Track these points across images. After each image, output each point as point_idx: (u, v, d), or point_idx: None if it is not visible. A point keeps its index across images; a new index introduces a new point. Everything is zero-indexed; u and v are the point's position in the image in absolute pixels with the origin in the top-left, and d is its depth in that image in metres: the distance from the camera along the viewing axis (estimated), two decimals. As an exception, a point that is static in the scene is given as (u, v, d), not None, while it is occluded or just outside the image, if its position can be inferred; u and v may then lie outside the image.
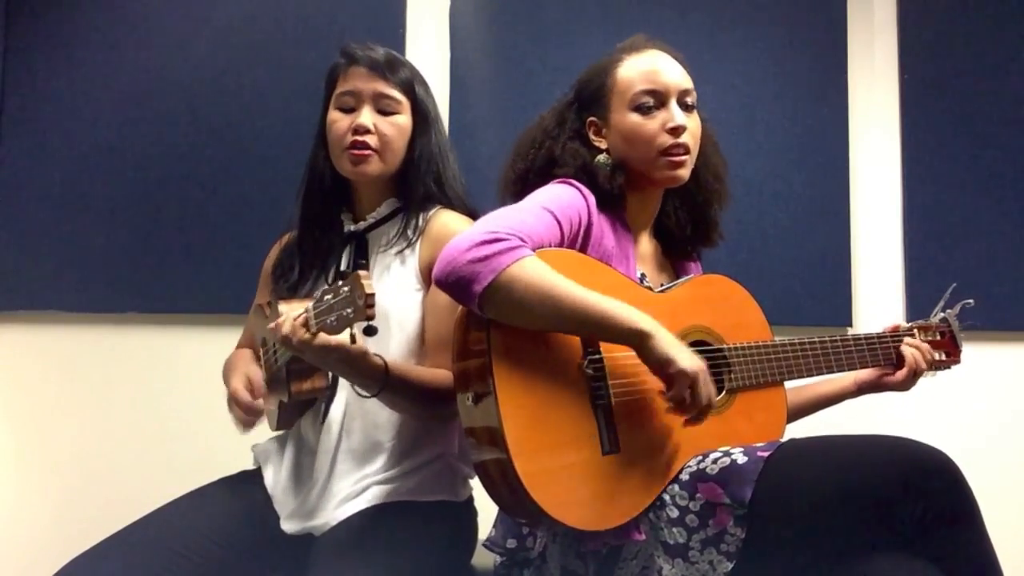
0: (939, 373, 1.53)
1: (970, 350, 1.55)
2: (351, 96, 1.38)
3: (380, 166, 1.38)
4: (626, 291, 1.20)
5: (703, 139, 1.39)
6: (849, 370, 1.44)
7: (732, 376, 1.29)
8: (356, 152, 1.36)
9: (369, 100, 1.37)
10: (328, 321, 1.06)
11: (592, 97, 1.38)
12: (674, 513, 1.16)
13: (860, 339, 1.44)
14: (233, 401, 1.31)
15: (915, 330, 1.52)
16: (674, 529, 1.15)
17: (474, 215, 1.42)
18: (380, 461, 1.33)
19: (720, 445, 1.22)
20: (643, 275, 1.36)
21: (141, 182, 2.32)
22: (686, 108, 1.34)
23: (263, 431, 1.48)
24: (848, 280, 2.37)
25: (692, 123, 1.34)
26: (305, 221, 1.45)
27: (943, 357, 1.52)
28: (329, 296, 1.07)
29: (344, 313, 1.04)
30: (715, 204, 1.44)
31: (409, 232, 1.39)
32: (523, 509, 1.10)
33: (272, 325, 1.16)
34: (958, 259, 2.35)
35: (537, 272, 1.09)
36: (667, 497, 1.17)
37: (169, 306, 2.30)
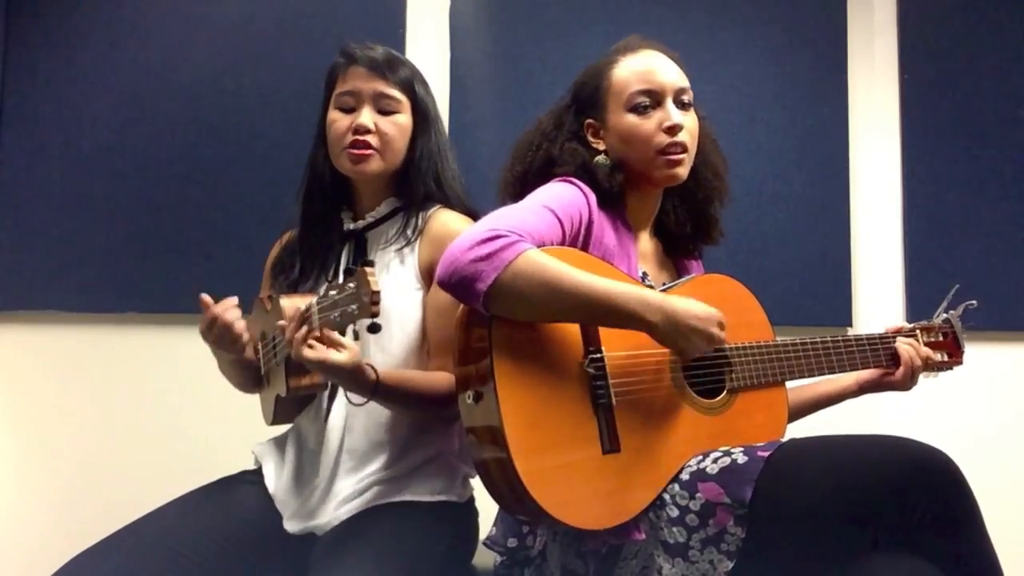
0: (941, 374, 1.53)
1: (971, 350, 1.54)
2: (351, 96, 1.38)
3: (380, 165, 1.38)
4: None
5: (702, 137, 1.40)
6: (851, 370, 1.44)
7: (733, 376, 1.29)
8: (356, 151, 1.36)
9: (369, 100, 1.37)
10: (332, 317, 1.07)
11: (589, 99, 1.38)
12: (674, 512, 1.16)
13: (862, 339, 1.44)
14: (208, 315, 1.29)
15: (917, 331, 1.52)
16: (674, 528, 1.15)
17: (474, 215, 1.42)
18: (381, 460, 1.33)
19: (721, 445, 1.22)
20: (645, 273, 1.36)
21: (141, 182, 2.32)
22: (682, 106, 1.34)
23: (263, 431, 1.48)
24: (848, 280, 2.37)
25: (689, 121, 1.34)
26: (305, 220, 1.46)
27: (945, 358, 1.52)
28: (334, 292, 1.07)
29: (348, 309, 1.04)
30: (715, 202, 1.44)
31: (408, 231, 1.39)
32: (523, 508, 1.11)
33: (279, 324, 1.16)
34: (958, 259, 2.35)
35: (541, 264, 1.09)
36: (667, 496, 1.17)
37: (169, 306, 2.29)
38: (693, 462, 1.19)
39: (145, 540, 1.25)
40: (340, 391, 1.34)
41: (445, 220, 1.39)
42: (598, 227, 1.28)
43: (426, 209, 1.42)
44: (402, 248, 1.38)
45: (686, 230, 1.45)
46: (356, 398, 1.23)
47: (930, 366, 1.49)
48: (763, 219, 2.36)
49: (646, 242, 1.42)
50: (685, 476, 1.18)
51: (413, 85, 1.41)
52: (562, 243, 1.21)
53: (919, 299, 2.34)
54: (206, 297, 1.30)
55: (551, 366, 1.14)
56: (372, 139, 1.36)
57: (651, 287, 1.32)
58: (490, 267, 1.07)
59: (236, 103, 2.34)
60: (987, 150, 2.38)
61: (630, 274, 1.28)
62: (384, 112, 1.38)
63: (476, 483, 1.38)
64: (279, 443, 1.45)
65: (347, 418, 1.34)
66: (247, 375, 1.43)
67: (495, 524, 1.33)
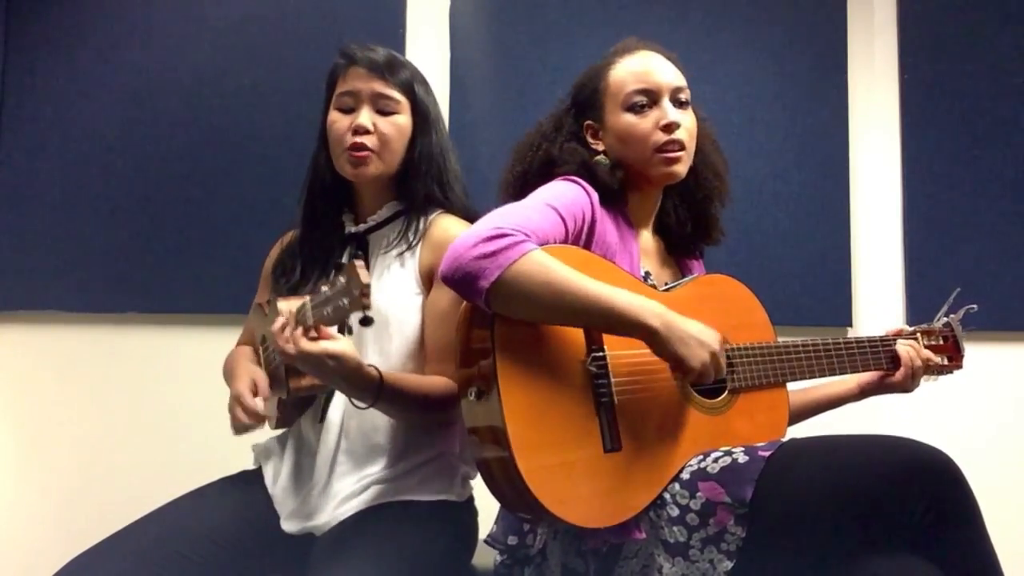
0: (941, 378, 1.53)
1: (971, 350, 1.54)
2: (350, 96, 1.38)
3: (379, 167, 1.38)
4: (631, 290, 1.20)
5: (702, 137, 1.40)
6: (852, 372, 1.45)
7: (735, 376, 1.29)
8: (356, 154, 1.36)
9: (368, 100, 1.37)
10: (325, 312, 1.07)
11: (587, 101, 1.39)
12: (675, 512, 1.16)
13: (862, 341, 1.45)
14: (236, 403, 1.30)
15: (918, 334, 1.52)
16: (675, 528, 1.15)
17: (474, 219, 1.42)
18: (380, 461, 1.33)
19: (722, 445, 1.22)
20: (647, 272, 1.36)
21: (141, 182, 2.32)
22: (680, 105, 1.35)
23: (263, 430, 1.48)
24: (848, 280, 2.37)
25: (687, 119, 1.34)
26: (306, 221, 1.46)
27: (945, 362, 1.52)
28: (326, 288, 1.07)
29: (340, 303, 1.04)
30: (715, 201, 1.45)
31: (410, 235, 1.39)
32: (524, 506, 1.11)
33: (273, 327, 1.16)
34: (958, 259, 2.35)
35: (544, 265, 1.09)
36: (668, 496, 1.17)
37: (169, 306, 2.30)
38: (694, 461, 1.20)
39: (145, 540, 1.24)
40: (337, 392, 1.33)
41: (446, 225, 1.39)
42: (600, 225, 1.28)
43: (427, 213, 1.42)
44: (403, 252, 1.38)
45: (686, 229, 1.46)
46: (360, 402, 1.22)
47: (930, 369, 1.49)
48: (763, 219, 2.36)
49: (648, 240, 1.43)
50: (686, 475, 1.18)
51: (413, 86, 1.41)
52: (565, 241, 1.22)
53: (919, 299, 2.35)
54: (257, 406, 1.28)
55: (554, 365, 1.14)
56: (370, 140, 1.36)
57: (654, 286, 1.32)
58: (493, 265, 1.08)
59: (236, 103, 2.34)
60: (987, 150, 2.38)
61: (632, 272, 1.28)
62: (383, 113, 1.38)
63: (476, 483, 1.38)
64: (279, 443, 1.45)
65: (345, 420, 1.34)
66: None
67: (496, 522, 1.33)
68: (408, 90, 1.40)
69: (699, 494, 1.15)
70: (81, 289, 2.30)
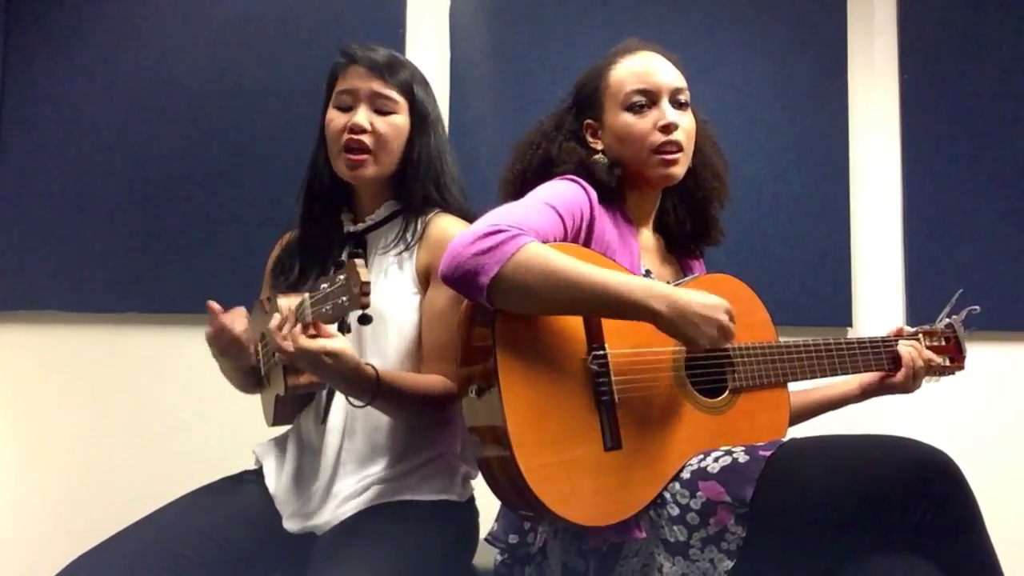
0: (943, 379, 1.53)
1: (971, 350, 1.55)
2: (348, 95, 1.38)
3: (375, 168, 1.38)
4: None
5: (701, 138, 1.41)
6: (853, 373, 1.45)
7: (736, 376, 1.30)
8: (352, 157, 1.36)
9: (366, 99, 1.38)
10: (324, 310, 1.07)
11: (588, 100, 1.40)
12: (675, 511, 1.16)
13: (864, 342, 1.45)
14: (214, 323, 1.29)
15: (920, 335, 1.52)
16: (675, 527, 1.15)
17: (472, 220, 1.42)
18: (382, 461, 1.33)
19: (722, 444, 1.22)
20: (648, 271, 1.36)
21: (141, 182, 2.32)
22: (679, 106, 1.35)
23: (263, 430, 1.48)
24: (848, 280, 2.38)
25: (685, 120, 1.35)
26: (305, 220, 1.46)
27: (947, 363, 1.52)
28: (325, 285, 1.07)
29: (340, 301, 1.05)
30: (714, 202, 1.45)
31: (408, 235, 1.39)
32: (525, 504, 1.11)
33: (271, 324, 1.16)
34: (958, 259, 2.35)
35: (543, 256, 1.10)
36: (668, 495, 1.17)
37: (169, 306, 2.29)
38: (694, 461, 1.20)
39: (146, 540, 1.25)
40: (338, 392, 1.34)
41: (444, 225, 1.39)
42: (600, 224, 1.28)
43: (425, 213, 1.42)
44: (401, 252, 1.38)
45: (686, 229, 1.46)
46: (356, 401, 1.23)
47: (932, 370, 1.49)
48: (763, 219, 2.36)
49: (648, 238, 1.43)
50: (686, 475, 1.18)
51: (412, 87, 1.41)
52: (564, 240, 1.22)
53: (919, 299, 2.35)
54: (214, 305, 1.29)
55: (554, 363, 1.14)
56: (367, 139, 1.36)
57: (655, 283, 1.32)
58: (492, 260, 1.08)
59: (236, 103, 2.34)
60: (987, 150, 2.38)
61: (632, 270, 1.28)
62: (381, 112, 1.38)
63: (476, 483, 1.38)
64: (280, 443, 1.45)
65: (347, 420, 1.34)
66: (248, 377, 1.43)
67: (496, 520, 1.34)
68: (407, 91, 1.40)
69: (699, 493, 1.15)
70: (81, 289, 2.30)
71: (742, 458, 1.15)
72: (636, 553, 1.19)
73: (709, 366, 1.27)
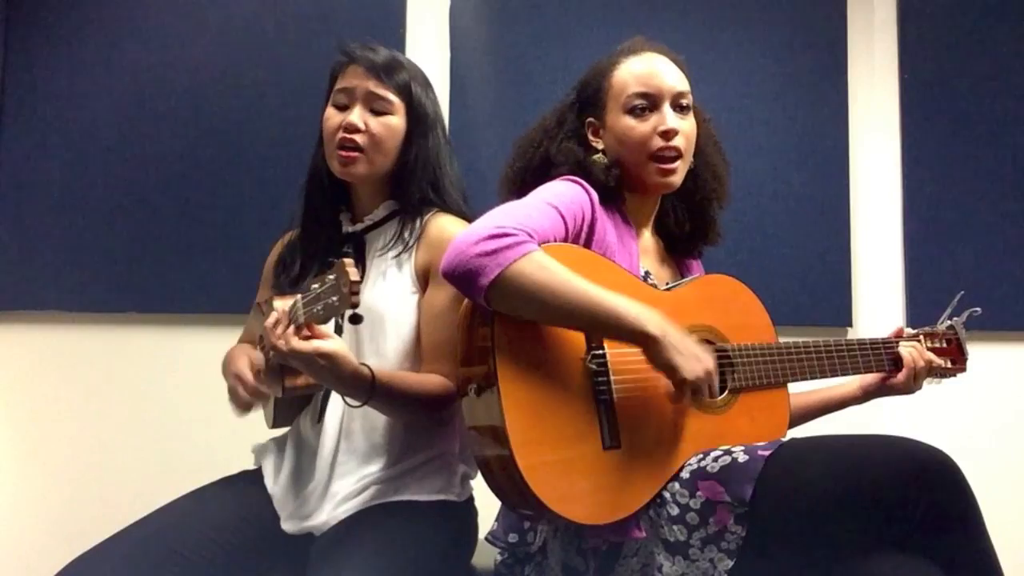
0: (944, 381, 1.53)
1: (971, 350, 1.54)
2: (345, 94, 1.38)
3: (367, 167, 1.38)
4: (631, 289, 1.20)
5: (703, 139, 1.40)
6: (853, 373, 1.45)
7: (735, 376, 1.29)
8: (344, 153, 1.36)
9: (362, 99, 1.38)
10: (315, 310, 1.07)
11: (591, 98, 1.39)
12: (674, 511, 1.16)
13: (864, 343, 1.44)
14: (237, 381, 1.29)
15: (921, 336, 1.52)
16: (674, 527, 1.15)
17: (471, 221, 1.42)
18: (380, 461, 1.33)
19: (721, 444, 1.22)
20: (647, 272, 1.36)
21: (141, 182, 2.32)
22: (681, 110, 1.35)
23: (263, 431, 1.48)
24: (848, 280, 2.38)
25: (686, 125, 1.34)
26: (305, 219, 1.46)
27: (949, 364, 1.52)
28: (316, 285, 1.08)
29: (330, 301, 1.05)
30: (714, 203, 1.45)
31: (406, 235, 1.39)
32: (524, 502, 1.11)
33: (266, 323, 1.16)
34: (958, 259, 2.35)
35: (544, 266, 1.10)
36: (667, 495, 1.17)
37: (169, 306, 2.30)
38: (693, 460, 1.20)
39: (145, 540, 1.24)
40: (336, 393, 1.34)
41: (443, 224, 1.39)
42: (600, 225, 1.28)
43: (423, 214, 1.42)
44: (399, 252, 1.38)
45: (685, 230, 1.46)
46: (353, 401, 1.23)
47: (933, 371, 1.49)
48: (763, 219, 2.36)
49: (648, 239, 1.43)
50: (685, 474, 1.18)
51: (410, 88, 1.40)
52: (565, 239, 1.22)
53: (919, 299, 2.35)
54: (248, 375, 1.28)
55: (554, 362, 1.14)
56: (361, 138, 1.36)
57: (654, 285, 1.32)
58: (494, 263, 1.08)
59: (236, 103, 2.34)
60: (987, 150, 2.38)
61: (631, 271, 1.28)
62: (377, 112, 1.38)
63: (475, 483, 1.38)
64: (279, 443, 1.45)
65: (344, 420, 1.34)
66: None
67: (496, 519, 1.34)
68: (405, 92, 1.40)
69: (699, 493, 1.15)
70: (81, 289, 2.30)
71: (741, 458, 1.15)
72: (636, 553, 1.19)
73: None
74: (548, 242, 1.17)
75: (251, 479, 1.42)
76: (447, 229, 1.37)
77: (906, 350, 1.46)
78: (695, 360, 1.12)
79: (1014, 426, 2.33)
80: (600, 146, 1.37)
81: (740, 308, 1.37)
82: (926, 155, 2.41)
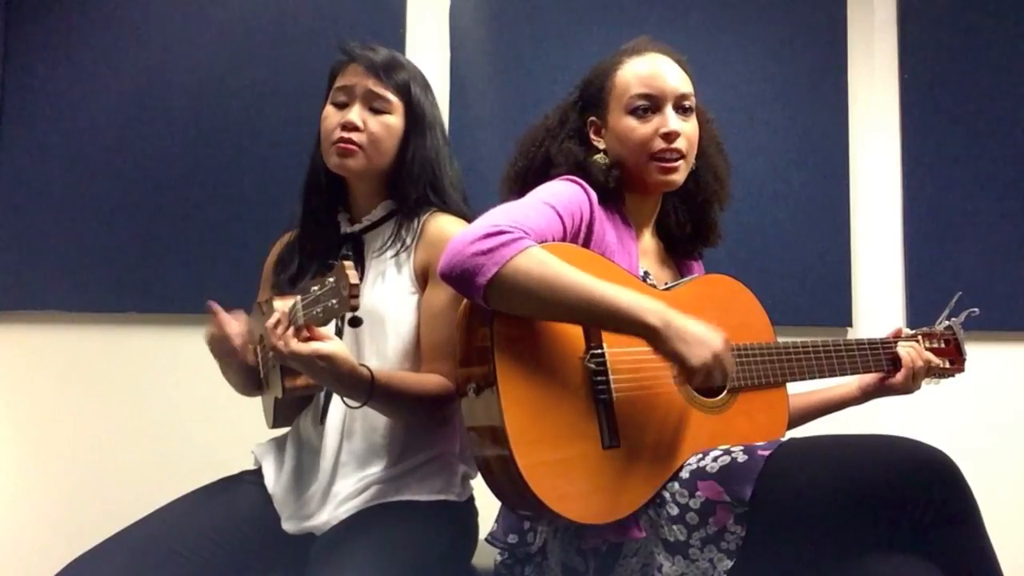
0: (943, 381, 1.53)
1: (970, 350, 1.54)
2: (344, 92, 1.39)
3: (364, 163, 1.38)
4: (630, 287, 1.20)
5: (705, 140, 1.40)
6: (852, 374, 1.45)
7: (734, 376, 1.29)
8: (341, 146, 1.36)
9: (361, 98, 1.38)
10: (315, 312, 1.07)
11: (593, 98, 1.39)
12: (674, 511, 1.16)
13: (863, 343, 1.45)
14: (214, 325, 1.31)
15: (919, 336, 1.52)
16: (674, 527, 1.15)
17: (470, 221, 1.42)
18: (381, 461, 1.33)
19: (721, 443, 1.22)
20: (646, 272, 1.36)
21: (141, 182, 2.32)
22: (683, 112, 1.34)
23: (263, 431, 1.48)
24: (848, 280, 2.38)
25: (688, 127, 1.34)
26: (304, 218, 1.46)
27: (947, 365, 1.52)
28: (316, 287, 1.08)
29: (330, 304, 1.05)
30: (714, 205, 1.45)
31: (403, 234, 1.39)
32: (524, 502, 1.11)
33: (266, 324, 1.16)
34: (958, 259, 2.35)
35: (541, 262, 1.10)
36: (667, 495, 1.17)
37: (169, 306, 2.29)
38: (693, 460, 1.20)
39: (145, 541, 1.25)
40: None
41: (442, 224, 1.39)
42: (599, 225, 1.28)
43: (421, 214, 1.41)
44: (398, 252, 1.38)
45: (685, 231, 1.46)
46: (352, 401, 1.23)
47: (932, 372, 1.49)
48: (763, 219, 2.36)
49: (648, 240, 1.43)
50: (685, 474, 1.18)
51: (409, 88, 1.41)
52: (563, 239, 1.22)
53: (919, 299, 2.35)
54: (216, 306, 1.30)
55: (553, 361, 1.14)
56: (358, 136, 1.36)
57: (653, 286, 1.32)
58: (491, 261, 1.08)
59: (236, 103, 2.34)
60: (987, 150, 2.39)
61: (630, 271, 1.28)
62: (376, 111, 1.38)
63: (475, 483, 1.38)
64: (279, 443, 1.45)
65: (346, 421, 1.34)
66: (248, 379, 1.43)
67: (497, 520, 1.34)
68: (404, 92, 1.40)
69: (698, 493, 1.15)
70: (81, 289, 2.30)
71: (741, 457, 1.15)
72: (635, 553, 1.19)
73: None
74: (546, 241, 1.17)
75: (251, 479, 1.42)
76: (446, 229, 1.37)
77: (904, 350, 1.46)
78: (700, 346, 1.11)
79: (1013, 426, 2.33)
80: (602, 145, 1.37)
81: (739, 308, 1.37)
82: (926, 155, 2.41)
